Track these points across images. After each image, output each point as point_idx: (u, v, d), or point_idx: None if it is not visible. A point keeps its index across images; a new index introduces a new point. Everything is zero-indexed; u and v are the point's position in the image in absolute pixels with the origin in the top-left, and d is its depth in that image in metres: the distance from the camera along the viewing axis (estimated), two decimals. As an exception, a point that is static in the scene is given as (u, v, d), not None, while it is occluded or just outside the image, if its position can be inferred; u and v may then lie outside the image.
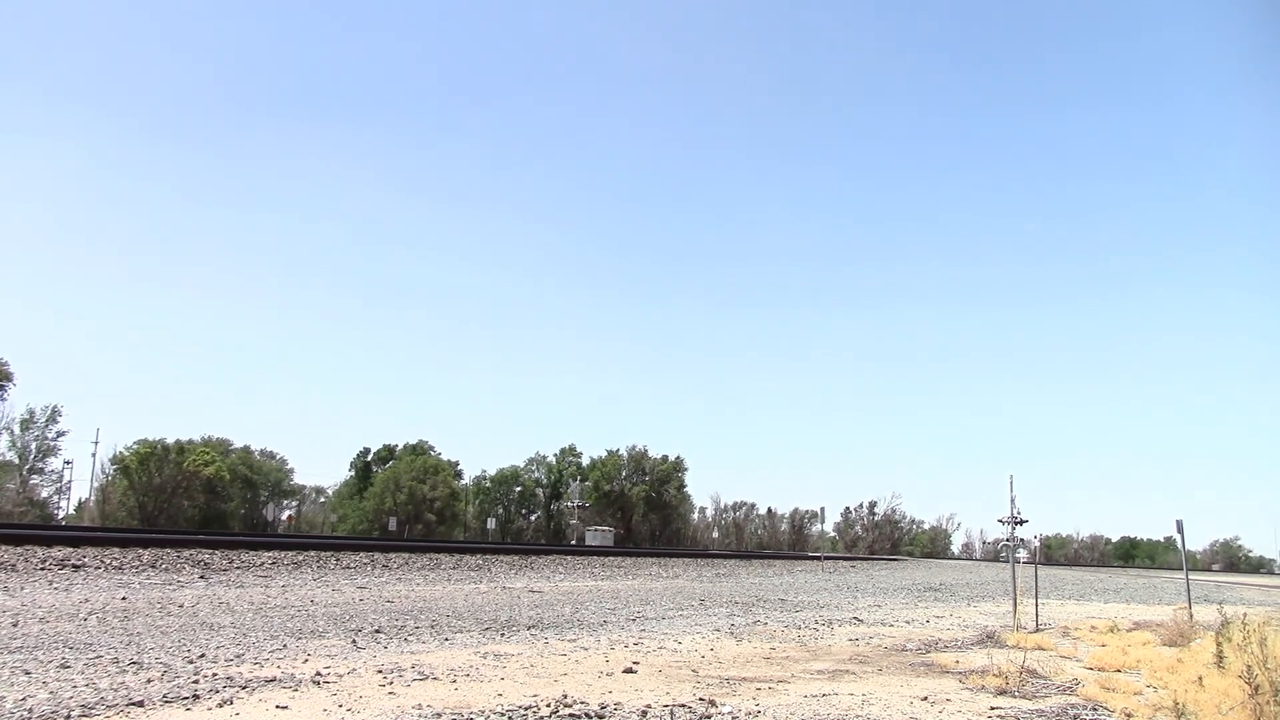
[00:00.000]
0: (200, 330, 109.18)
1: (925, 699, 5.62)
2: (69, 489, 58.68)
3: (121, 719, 4.16)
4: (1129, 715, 5.18)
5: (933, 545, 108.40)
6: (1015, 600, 11.97)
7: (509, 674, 5.90)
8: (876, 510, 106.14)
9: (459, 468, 78.65)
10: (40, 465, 54.90)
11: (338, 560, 17.51)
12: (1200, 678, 6.05)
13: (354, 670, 5.76)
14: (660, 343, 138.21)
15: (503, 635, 8.25)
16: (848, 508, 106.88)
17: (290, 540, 21.79)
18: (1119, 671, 7.20)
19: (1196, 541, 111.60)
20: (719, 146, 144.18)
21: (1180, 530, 14.42)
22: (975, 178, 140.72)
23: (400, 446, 77.95)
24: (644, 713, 4.76)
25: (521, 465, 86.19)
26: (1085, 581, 35.88)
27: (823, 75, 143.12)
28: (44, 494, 56.30)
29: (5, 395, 51.17)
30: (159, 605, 9.21)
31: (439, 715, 4.47)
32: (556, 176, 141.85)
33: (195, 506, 62.62)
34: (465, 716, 4.46)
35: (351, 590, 12.59)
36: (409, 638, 7.69)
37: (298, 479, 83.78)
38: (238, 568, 14.78)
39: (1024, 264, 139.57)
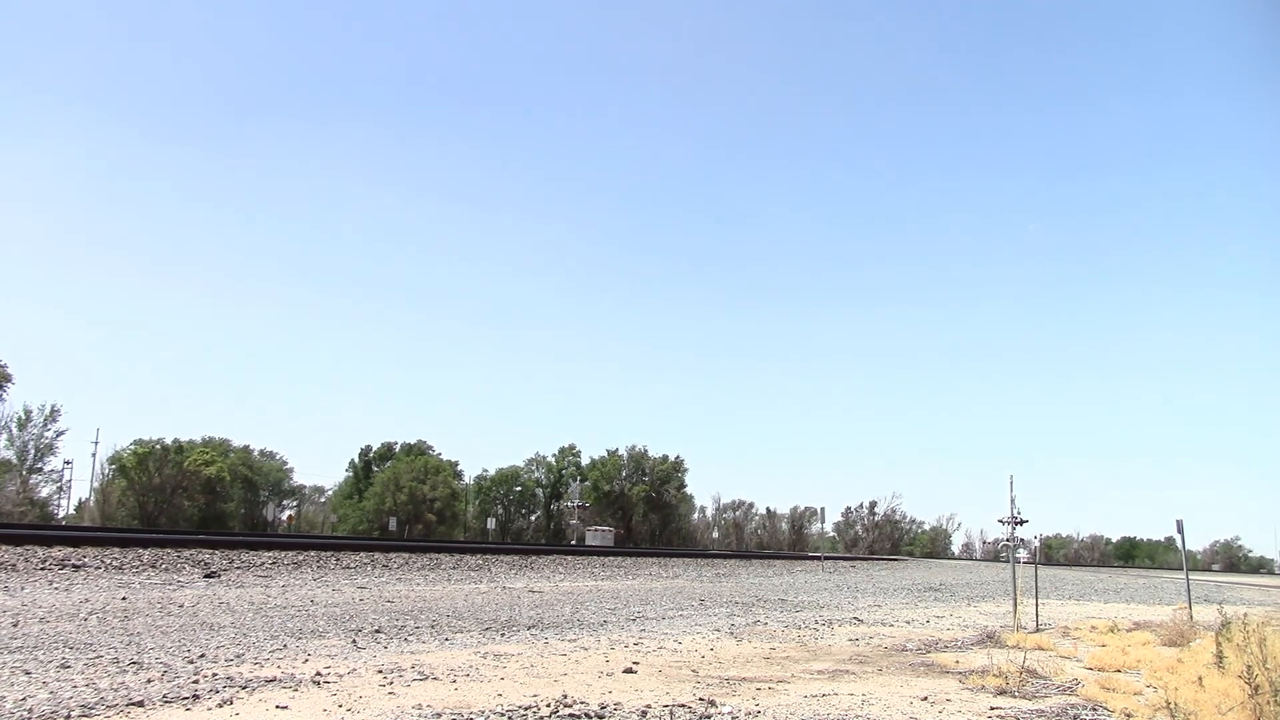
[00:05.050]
0: (200, 330, 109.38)
1: (925, 699, 5.62)
2: (69, 489, 58.70)
3: (121, 719, 4.16)
4: (1129, 715, 5.18)
5: (933, 545, 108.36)
6: (1015, 600, 11.97)
7: (509, 674, 5.90)
8: (876, 510, 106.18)
9: (459, 468, 78.73)
10: (40, 465, 54.89)
11: (338, 560, 17.51)
12: (1200, 678, 6.05)
13: (354, 670, 5.76)
14: (660, 343, 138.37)
15: (503, 635, 8.24)
16: (848, 508, 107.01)
17: (290, 540, 21.78)
18: (1119, 672, 7.20)
19: (1196, 541, 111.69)
20: (719, 146, 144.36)
21: (1180, 530, 14.42)
22: (976, 177, 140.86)
23: (399, 446, 77.95)
24: (644, 713, 4.76)
25: (521, 465, 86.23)
26: (1085, 581, 35.87)
27: (822, 74, 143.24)
28: (44, 494, 56.32)
29: (4, 397, 51.18)
30: (159, 605, 9.21)
31: (439, 715, 4.47)
32: (556, 176, 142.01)
33: (195, 506, 62.60)
34: (465, 716, 4.46)
35: (351, 590, 12.59)
36: (409, 638, 7.68)
37: (297, 479, 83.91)
38: (238, 568, 14.77)
39: (1024, 264, 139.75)
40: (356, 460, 78.00)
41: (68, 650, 6.06)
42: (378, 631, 8.00)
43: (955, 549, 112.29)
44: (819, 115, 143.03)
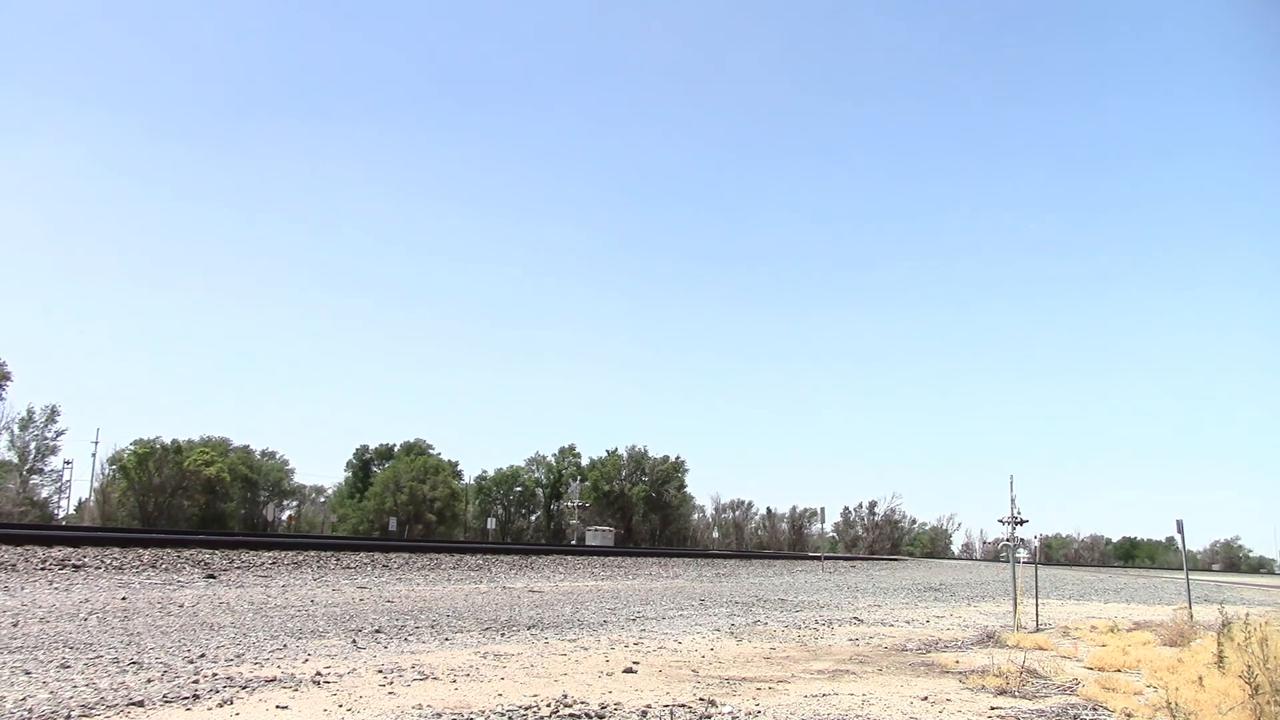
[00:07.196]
0: (200, 330, 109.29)
1: (925, 699, 5.61)
2: (69, 489, 58.70)
3: (121, 719, 4.16)
4: (1129, 715, 5.18)
5: (933, 545, 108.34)
6: (1015, 600, 11.96)
7: (509, 674, 5.90)
8: (876, 510, 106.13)
9: (459, 468, 78.70)
10: (40, 465, 54.89)
11: (338, 560, 17.51)
12: (1200, 678, 6.04)
13: (354, 670, 5.76)
14: (660, 343, 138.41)
15: (503, 635, 8.24)
16: (847, 508, 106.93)
17: (290, 540, 21.78)
18: (1119, 671, 7.20)
19: (1196, 541, 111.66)
20: (719, 146, 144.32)
21: (1180, 530, 14.42)
22: (976, 176, 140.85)
23: (398, 446, 77.92)
24: (644, 713, 4.76)
25: (521, 465, 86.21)
26: (1085, 581, 35.87)
27: (824, 74, 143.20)
28: (44, 494, 56.31)
29: (3, 395, 51.17)
30: (159, 605, 9.21)
31: (439, 715, 4.47)
32: (556, 176, 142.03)
33: (195, 506, 62.60)
34: (465, 716, 4.46)
35: (351, 590, 12.59)
36: (409, 638, 7.68)
37: (298, 479, 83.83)
38: (238, 568, 14.77)
39: (1024, 264, 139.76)
40: (355, 460, 78.02)
41: (68, 650, 6.06)
42: (378, 631, 7.99)
43: (955, 549, 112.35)
44: (820, 115, 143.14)
